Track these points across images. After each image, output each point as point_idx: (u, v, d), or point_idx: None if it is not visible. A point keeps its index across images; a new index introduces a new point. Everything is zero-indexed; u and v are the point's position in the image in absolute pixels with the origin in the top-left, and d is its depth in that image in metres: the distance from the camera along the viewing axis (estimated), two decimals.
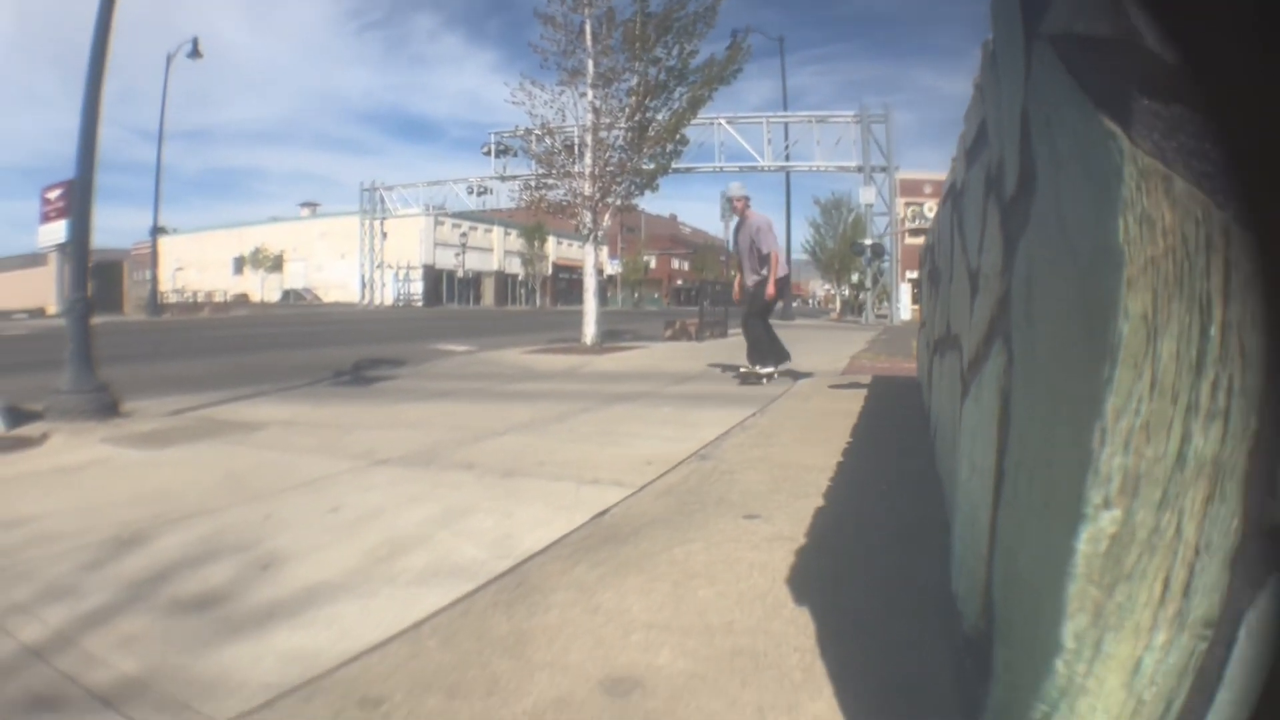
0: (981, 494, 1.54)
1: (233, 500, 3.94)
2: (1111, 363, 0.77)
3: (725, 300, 20.27)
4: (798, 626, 1.74)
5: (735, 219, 9.29)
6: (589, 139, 14.68)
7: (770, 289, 8.61)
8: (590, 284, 15.22)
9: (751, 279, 8.86)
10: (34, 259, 42.58)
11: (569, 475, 3.97)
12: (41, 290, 39.42)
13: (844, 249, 52.06)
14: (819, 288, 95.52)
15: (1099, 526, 0.78)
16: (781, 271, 8.77)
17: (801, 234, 59.19)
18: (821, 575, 2.10)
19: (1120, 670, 0.80)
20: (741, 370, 8.79)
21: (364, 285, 56.49)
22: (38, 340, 18.52)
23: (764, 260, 8.64)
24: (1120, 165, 0.76)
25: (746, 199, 9.04)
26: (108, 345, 7.41)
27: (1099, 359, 0.78)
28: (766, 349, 8.73)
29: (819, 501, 2.77)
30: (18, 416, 6.03)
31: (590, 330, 14.65)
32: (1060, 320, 0.94)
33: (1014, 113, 1.23)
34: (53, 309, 36.23)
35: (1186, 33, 0.73)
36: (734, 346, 15.24)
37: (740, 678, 1.51)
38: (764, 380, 8.45)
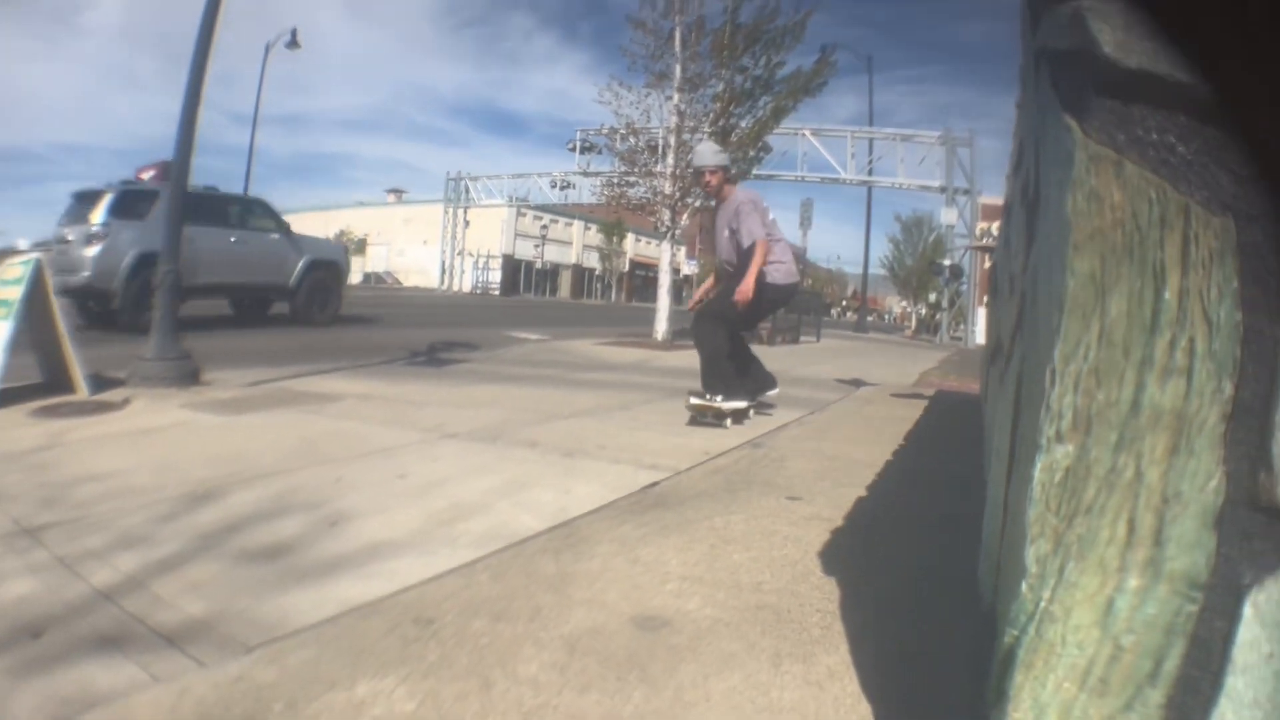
0: (999, 475, 1.63)
1: (306, 463, 4.13)
2: (1060, 312, 0.88)
3: (800, 307, 20.19)
4: (823, 593, 1.84)
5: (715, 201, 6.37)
6: (672, 140, 14.86)
7: (747, 285, 5.51)
8: (665, 281, 15.39)
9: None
10: None
11: (627, 459, 4.10)
12: None
13: (922, 267, 51.46)
14: (895, 304, 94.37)
15: (1053, 458, 0.88)
16: (782, 277, 5.84)
17: (881, 249, 58.70)
18: (853, 553, 2.19)
19: (1090, 606, 0.88)
20: (691, 402, 5.67)
21: (443, 271, 57.23)
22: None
23: (747, 255, 5.78)
24: (1072, 151, 0.88)
25: (725, 169, 6.10)
26: (194, 319, 7.72)
27: (1052, 312, 0.89)
28: (729, 373, 5.75)
29: (861, 491, 2.85)
30: (101, 383, 6.32)
31: (662, 327, 14.81)
32: (1045, 296, 1.04)
33: (1032, 124, 1.34)
34: None
35: (1146, 41, 0.84)
36: (805, 353, 15.23)
37: (762, 628, 1.62)
38: (727, 421, 5.49)
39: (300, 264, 15.67)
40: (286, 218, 15.74)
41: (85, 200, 13.48)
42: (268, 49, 40.23)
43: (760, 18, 14.01)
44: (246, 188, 41.72)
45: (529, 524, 3.15)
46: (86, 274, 12.59)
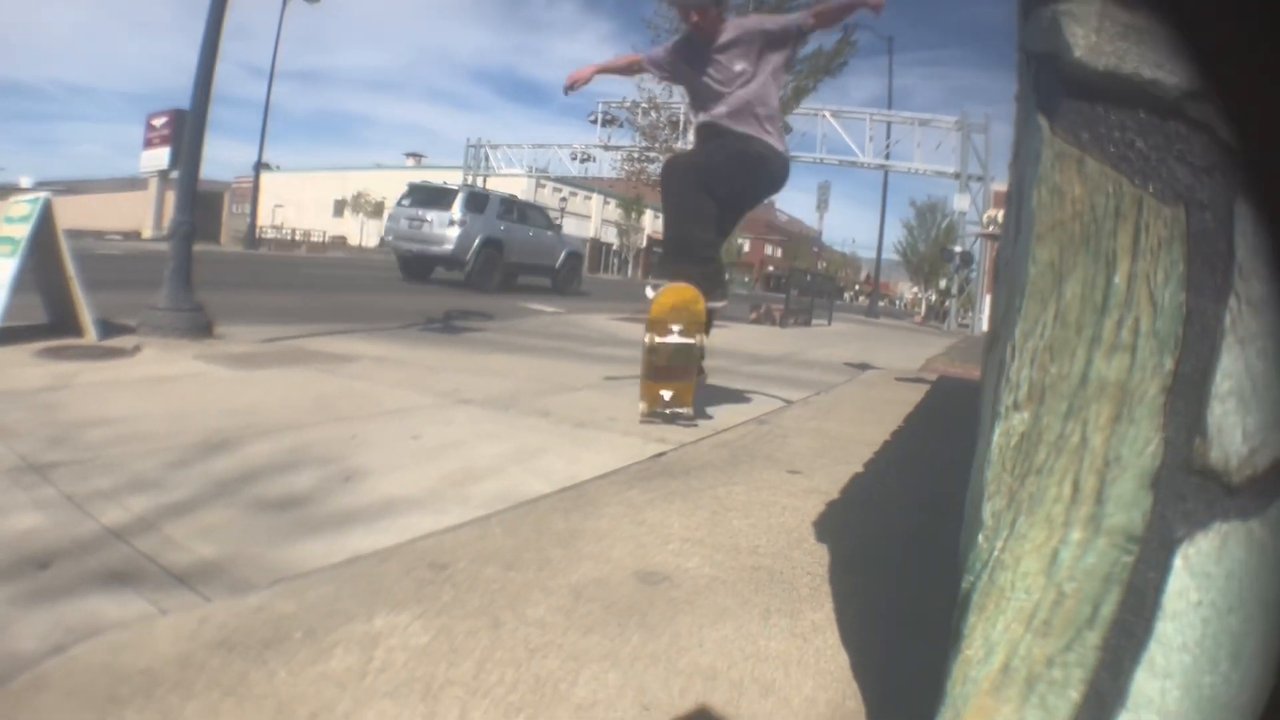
0: (982, 451, 1.73)
1: (320, 420, 4.23)
2: (1021, 296, 0.98)
3: (814, 290, 20.27)
4: (815, 558, 1.95)
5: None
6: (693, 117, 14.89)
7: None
8: None
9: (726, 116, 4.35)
10: (132, 182, 43.64)
11: (637, 432, 4.20)
12: (138, 213, 40.17)
13: (935, 253, 51.40)
14: (906, 290, 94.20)
15: (1010, 424, 0.99)
16: (781, 145, 4.41)
17: (895, 234, 58.65)
18: (847, 524, 2.30)
19: (1037, 556, 0.98)
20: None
21: None
22: (129, 261, 19.24)
23: (758, 77, 4.24)
24: (1040, 149, 0.98)
25: (719, 4, 4.28)
26: (204, 272, 7.76)
27: (1015, 295, 1.00)
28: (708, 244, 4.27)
29: (859, 469, 2.95)
30: (109, 328, 6.36)
31: None
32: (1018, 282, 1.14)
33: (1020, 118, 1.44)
34: (148, 233, 36.96)
35: (1116, 42, 0.93)
36: (815, 336, 15.29)
37: (755, 586, 1.73)
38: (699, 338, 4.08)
39: (563, 253, 22.29)
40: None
41: (436, 193, 20.18)
42: (286, 1, 39.96)
43: None
44: (262, 143, 41.65)
45: (539, 488, 3.25)
46: (449, 247, 18.79)
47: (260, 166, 41.28)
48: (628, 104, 16.79)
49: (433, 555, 1.76)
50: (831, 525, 2.22)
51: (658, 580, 1.70)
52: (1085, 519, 0.95)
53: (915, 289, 74.63)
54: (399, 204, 20.38)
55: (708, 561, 1.84)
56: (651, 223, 73.80)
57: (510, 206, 21.08)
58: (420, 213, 19.41)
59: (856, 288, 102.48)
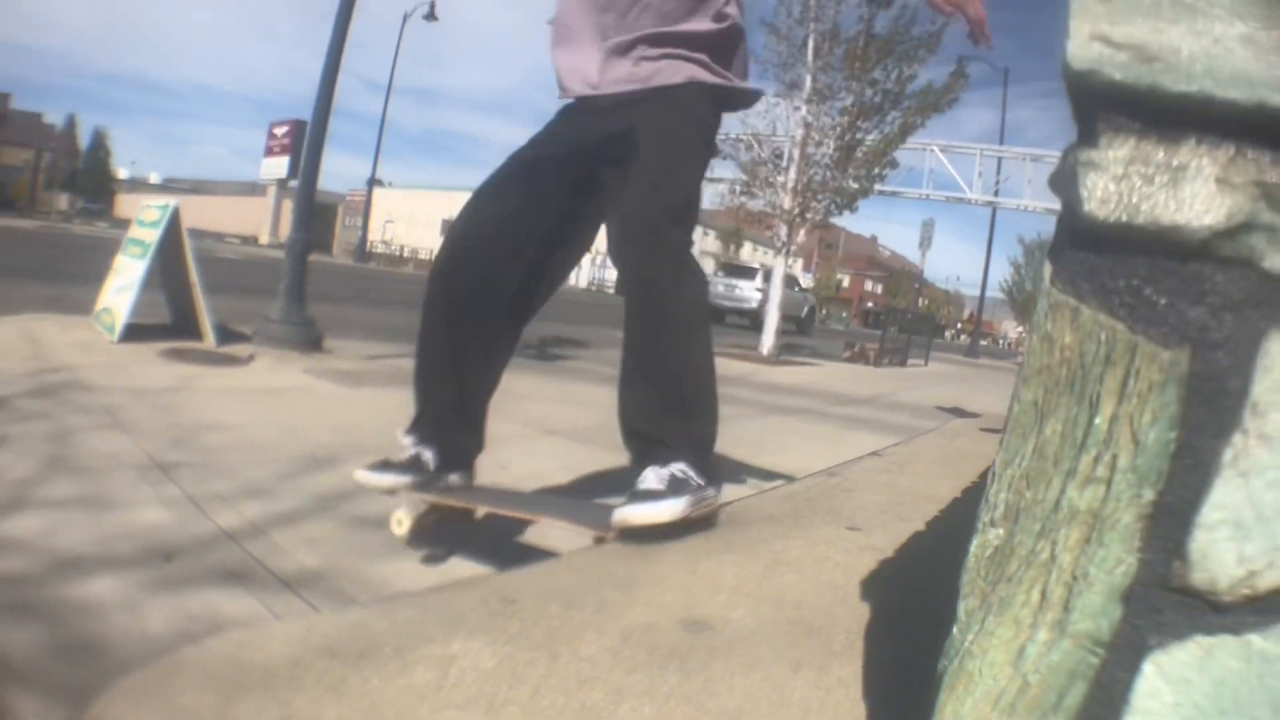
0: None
1: None
2: (1006, 431, 1.11)
3: (911, 328, 20.02)
4: (855, 616, 2.08)
5: None
6: (796, 153, 14.88)
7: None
8: (776, 296, 15.45)
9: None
10: (252, 188, 45.46)
11: (717, 475, 4.33)
12: (256, 219, 41.75)
13: None
14: (1011, 329, 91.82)
15: (985, 538, 1.12)
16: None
17: (1001, 271, 57.47)
18: (896, 584, 2.41)
19: (1003, 648, 1.09)
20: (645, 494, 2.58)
21: None
22: (245, 266, 20.01)
23: None
24: (1039, 298, 1.07)
25: None
26: (315, 284, 8.16)
27: (1002, 428, 1.13)
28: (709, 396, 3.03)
29: (920, 526, 3.03)
30: (227, 334, 6.82)
31: (768, 341, 14.91)
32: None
33: None
34: (265, 238, 38.39)
35: (1139, 189, 0.93)
36: (910, 377, 15.15)
37: (791, 639, 1.88)
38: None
39: (806, 306, 34.27)
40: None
41: (742, 269, 34.74)
42: (405, 18, 41.19)
43: (895, 29, 13.90)
44: (376, 159, 43.01)
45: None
46: (753, 305, 30.41)
47: (373, 182, 42.61)
48: (731, 138, 16.88)
49: (505, 590, 1.96)
50: (878, 584, 2.34)
51: (701, 629, 1.86)
52: (1051, 623, 1.06)
53: (1020, 328, 72.92)
54: (715, 274, 31.76)
55: (751, 613, 1.99)
56: (751, 256, 73.58)
57: (787, 280, 30.77)
58: (732, 281, 32.80)
59: (958, 326, 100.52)
